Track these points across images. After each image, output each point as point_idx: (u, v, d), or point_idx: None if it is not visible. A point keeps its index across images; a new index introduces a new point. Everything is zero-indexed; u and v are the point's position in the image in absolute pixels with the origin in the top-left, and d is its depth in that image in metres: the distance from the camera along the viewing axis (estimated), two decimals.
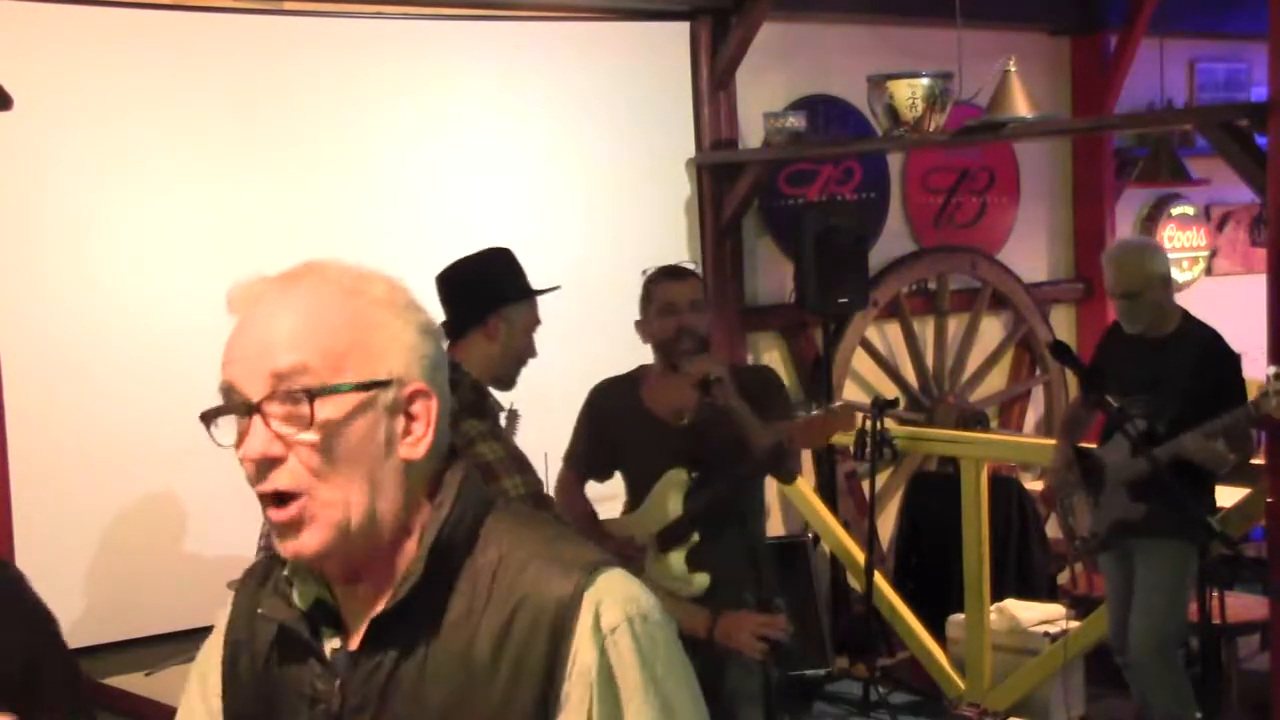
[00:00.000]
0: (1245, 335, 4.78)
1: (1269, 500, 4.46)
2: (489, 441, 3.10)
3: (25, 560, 4.34)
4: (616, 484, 4.06)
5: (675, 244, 6.06)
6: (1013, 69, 5.07)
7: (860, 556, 5.55)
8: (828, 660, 5.72)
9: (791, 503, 6.10)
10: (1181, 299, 4.61)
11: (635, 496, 3.91)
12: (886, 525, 6.49)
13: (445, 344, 2.97)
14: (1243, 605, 4.98)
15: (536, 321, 3.42)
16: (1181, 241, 7.74)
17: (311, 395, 1.37)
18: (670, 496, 3.78)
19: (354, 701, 1.44)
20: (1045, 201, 7.34)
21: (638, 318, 3.89)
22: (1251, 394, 4.28)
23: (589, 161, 5.82)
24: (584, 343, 5.58)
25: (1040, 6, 7.07)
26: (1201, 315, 4.57)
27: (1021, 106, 5.04)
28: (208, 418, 1.43)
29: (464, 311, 3.32)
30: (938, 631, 5.57)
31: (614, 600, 1.42)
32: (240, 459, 1.40)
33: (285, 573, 1.49)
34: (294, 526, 1.40)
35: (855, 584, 5.87)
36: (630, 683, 1.41)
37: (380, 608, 1.44)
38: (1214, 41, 7.75)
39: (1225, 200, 7.87)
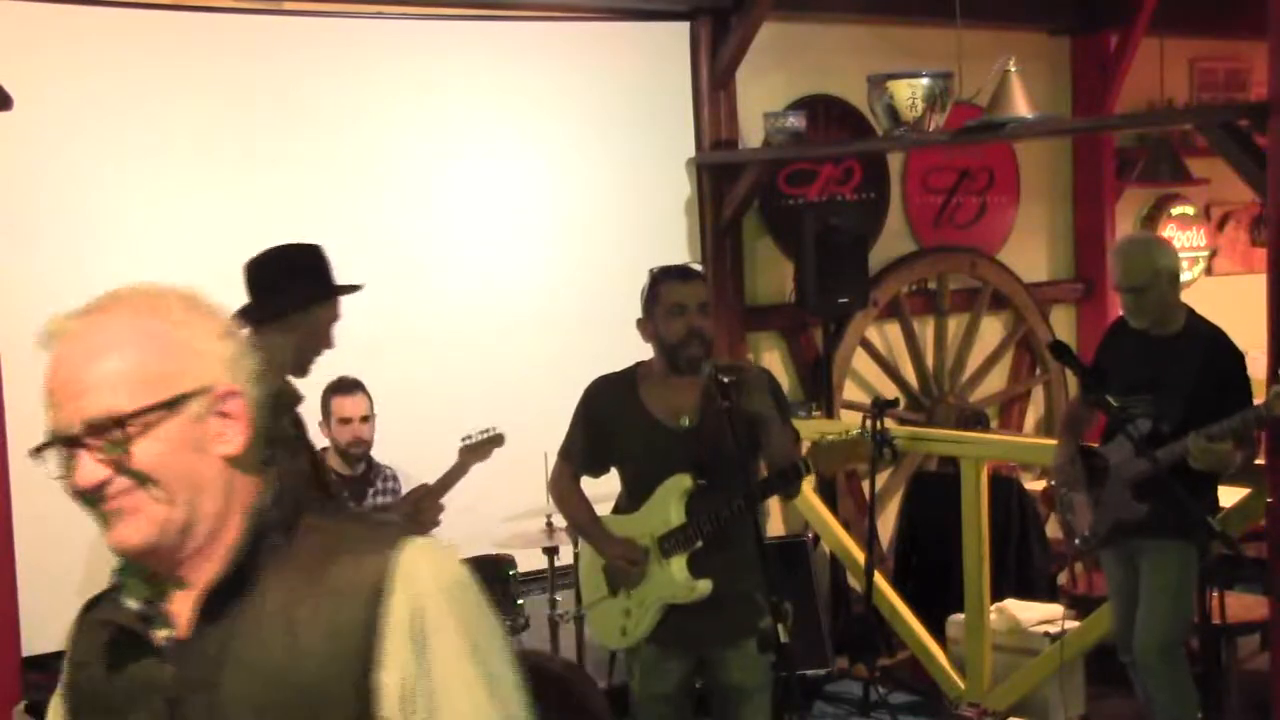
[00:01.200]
0: (1246, 335, 4.78)
1: (1269, 500, 4.46)
2: None
3: (25, 560, 4.34)
4: (610, 483, 4.05)
5: (675, 244, 6.06)
6: (1013, 69, 5.07)
7: (860, 556, 5.55)
8: (828, 660, 5.73)
9: (792, 503, 6.09)
10: (1182, 299, 4.60)
11: (632, 495, 3.90)
12: (886, 525, 6.49)
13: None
14: (1243, 605, 4.98)
15: (336, 318, 3.59)
16: (1181, 241, 7.72)
17: (122, 424, 1.49)
18: (672, 503, 3.77)
19: (189, 684, 1.53)
20: (1045, 201, 7.34)
21: (639, 316, 3.83)
22: (1256, 393, 4.27)
23: (589, 161, 5.83)
24: (585, 342, 5.59)
25: (1040, 6, 7.07)
26: (1202, 315, 4.57)
27: (1021, 106, 5.04)
28: (36, 453, 1.55)
29: (265, 306, 3.48)
30: (938, 631, 5.57)
31: (425, 566, 1.54)
32: (68, 489, 1.52)
33: (115, 577, 1.59)
34: (118, 517, 1.50)
35: (855, 584, 5.88)
36: (446, 642, 1.53)
37: (206, 589, 1.54)
38: (1214, 41, 7.75)
39: (1225, 200, 7.87)
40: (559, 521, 4.87)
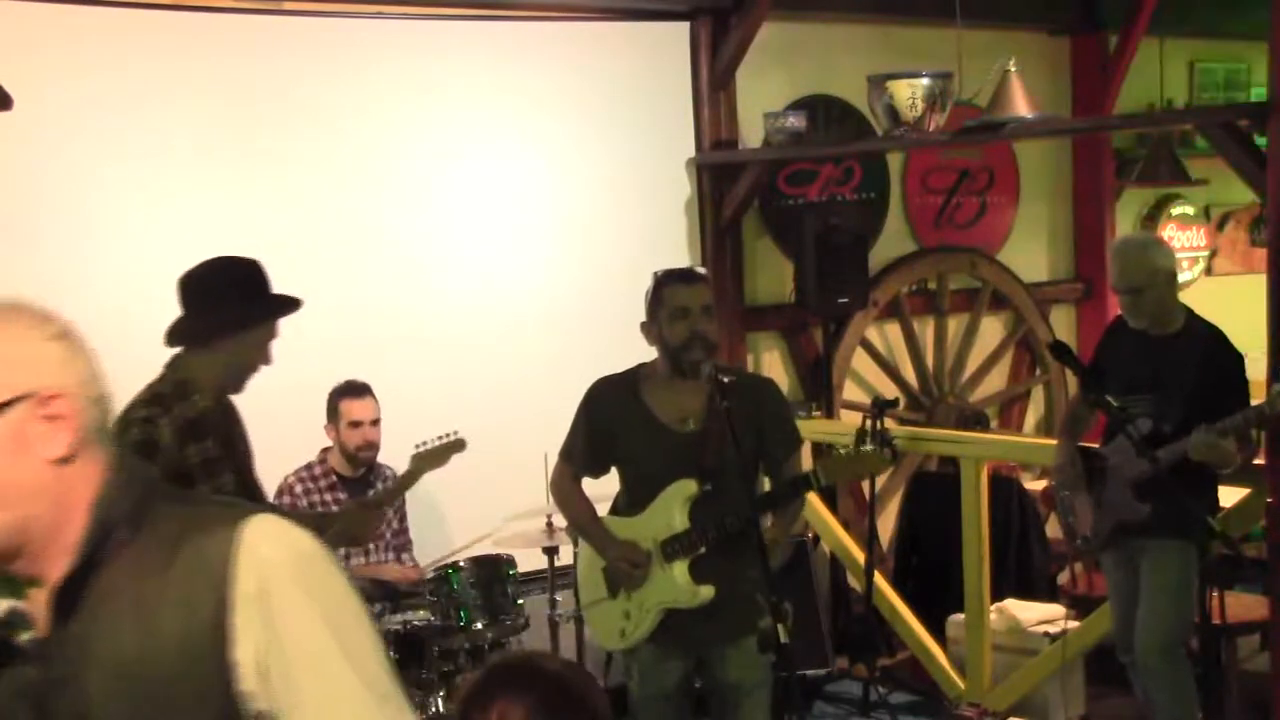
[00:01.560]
0: (1245, 335, 4.78)
1: (1269, 500, 4.46)
2: (133, 428, 3.27)
3: None
4: (608, 483, 4.04)
5: (675, 244, 6.07)
6: (1013, 69, 5.06)
7: (860, 556, 5.55)
8: (828, 660, 5.73)
9: None
10: (1181, 299, 4.60)
11: (632, 497, 3.88)
12: (886, 525, 6.49)
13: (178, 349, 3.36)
14: (1243, 605, 4.98)
15: (272, 336, 3.49)
16: (1181, 241, 7.74)
17: None
18: (676, 507, 3.74)
19: (52, 682, 1.56)
20: (1045, 201, 7.34)
21: (643, 319, 3.80)
22: (1254, 394, 4.27)
23: (589, 161, 5.83)
24: (585, 342, 5.59)
25: (1040, 6, 7.07)
26: (1201, 315, 4.57)
27: (1021, 106, 5.03)
28: None
29: (197, 328, 3.42)
30: (938, 631, 5.57)
31: (268, 540, 1.56)
32: None
33: None
34: None
35: (855, 584, 5.87)
36: (295, 613, 1.54)
37: (55, 586, 1.57)
38: (1214, 41, 7.75)
39: (1225, 200, 7.87)
40: (559, 521, 4.86)
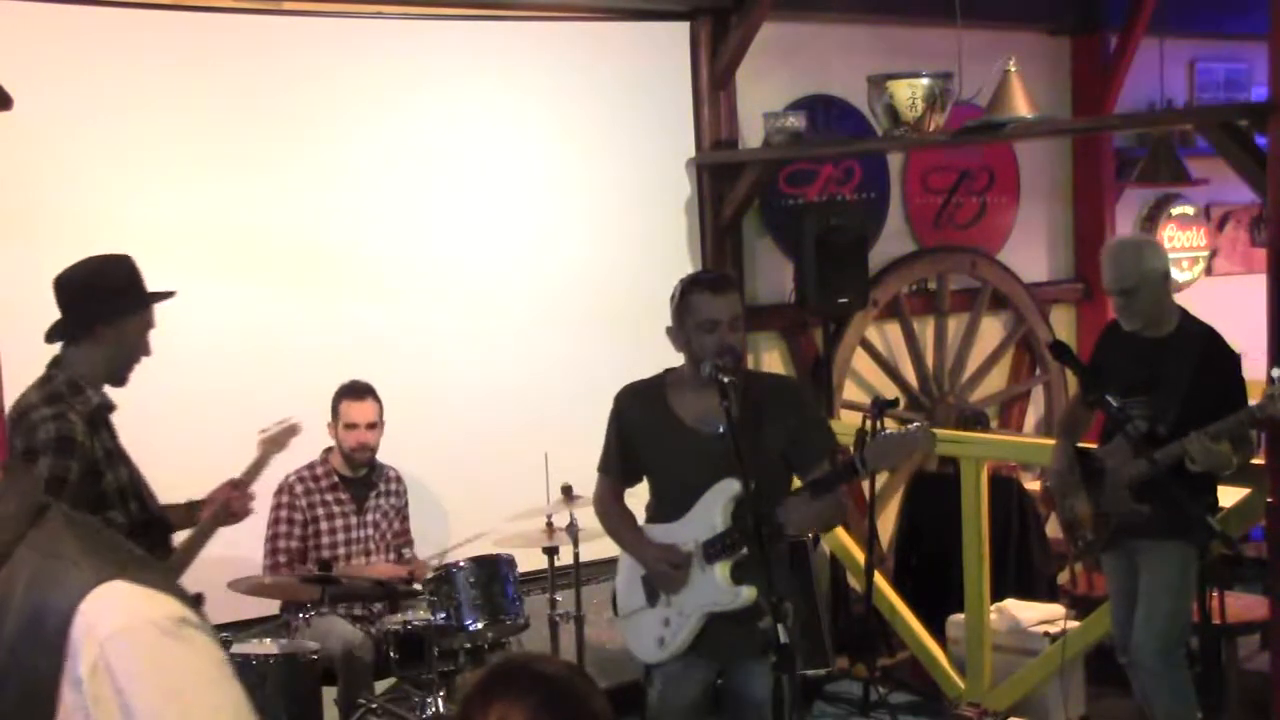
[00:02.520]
0: (1245, 335, 4.78)
1: (1269, 500, 4.46)
2: (46, 424, 3.37)
3: None
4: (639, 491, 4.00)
5: (675, 244, 6.07)
6: (1013, 69, 5.07)
7: (860, 556, 5.56)
8: (828, 660, 5.73)
9: None
10: (1181, 299, 4.60)
11: (662, 502, 3.81)
12: (886, 525, 6.49)
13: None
14: (1243, 605, 4.98)
15: (149, 326, 3.63)
16: (1181, 241, 7.74)
17: None
18: (718, 508, 3.66)
19: None
20: (1045, 201, 7.34)
21: (669, 324, 3.71)
22: (1252, 394, 4.27)
23: (589, 162, 5.83)
24: (586, 342, 5.59)
25: (1040, 6, 7.07)
26: (1201, 315, 4.56)
27: (1021, 106, 5.04)
28: None
29: (75, 321, 3.55)
30: (938, 631, 5.57)
31: (107, 615, 1.48)
32: None
33: None
34: None
35: (855, 584, 5.88)
36: (134, 691, 1.47)
37: None
38: (1214, 41, 7.76)
39: (1225, 200, 7.88)
40: (559, 521, 4.86)
